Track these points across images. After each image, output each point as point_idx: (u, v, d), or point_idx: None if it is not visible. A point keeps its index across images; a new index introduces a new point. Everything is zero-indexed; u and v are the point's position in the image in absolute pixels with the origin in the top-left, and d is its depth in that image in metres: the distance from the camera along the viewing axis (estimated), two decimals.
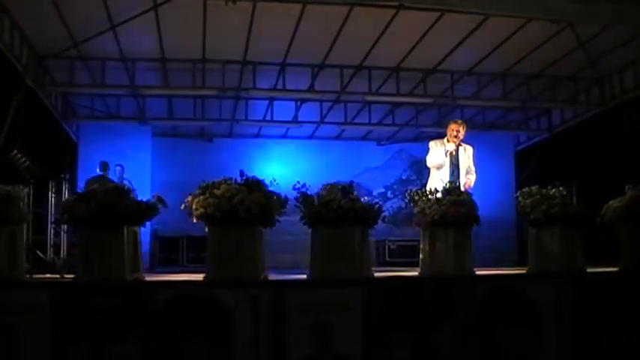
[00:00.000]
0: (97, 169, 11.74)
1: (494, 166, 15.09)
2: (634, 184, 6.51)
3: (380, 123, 15.06)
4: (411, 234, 11.83)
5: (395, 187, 16.91)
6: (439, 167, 7.90)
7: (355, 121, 14.85)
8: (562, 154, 14.04)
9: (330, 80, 12.25)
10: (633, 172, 11.40)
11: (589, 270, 6.10)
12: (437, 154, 7.95)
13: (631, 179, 8.96)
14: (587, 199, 6.81)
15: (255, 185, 5.01)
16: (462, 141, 8.07)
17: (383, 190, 16.87)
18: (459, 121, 8.20)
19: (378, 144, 17.17)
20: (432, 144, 8.11)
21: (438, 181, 7.63)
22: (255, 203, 4.82)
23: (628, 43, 11.03)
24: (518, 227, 14.19)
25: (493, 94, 13.08)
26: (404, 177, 16.99)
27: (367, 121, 14.74)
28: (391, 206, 16.25)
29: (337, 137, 16.45)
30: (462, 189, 7.53)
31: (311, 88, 12.36)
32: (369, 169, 16.95)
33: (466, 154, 8.04)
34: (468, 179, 7.93)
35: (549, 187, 6.07)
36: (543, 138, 15.58)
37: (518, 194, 6.16)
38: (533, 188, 6.08)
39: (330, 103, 13.97)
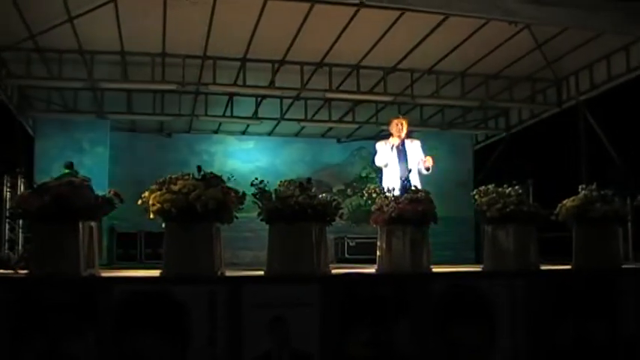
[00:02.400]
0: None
1: (453, 164, 15.24)
2: (589, 183, 6.63)
3: (340, 120, 15.09)
4: (370, 231, 11.86)
5: (354, 184, 16.99)
6: (387, 165, 8.02)
7: (315, 118, 14.87)
8: (519, 154, 14.26)
9: (291, 77, 12.24)
10: (589, 171, 11.63)
11: (543, 268, 6.21)
12: (383, 152, 8.09)
13: (586, 179, 9.17)
14: (543, 198, 6.92)
15: (213, 181, 4.98)
16: (409, 136, 8.23)
17: (342, 187, 16.94)
18: (400, 116, 8.43)
19: (338, 141, 17.24)
20: (378, 144, 8.31)
21: (390, 178, 7.75)
22: (213, 199, 4.79)
23: (584, 45, 11.25)
24: (475, 225, 14.34)
25: (452, 93, 13.20)
26: (363, 174, 17.08)
27: (327, 119, 14.75)
28: (350, 203, 16.35)
29: (297, 134, 16.45)
30: (424, 170, 7.76)
31: (271, 85, 12.34)
32: (328, 166, 17.02)
33: (413, 146, 8.18)
34: (427, 159, 8.04)
35: (505, 186, 6.15)
36: (501, 137, 15.79)
37: (474, 192, 6.25)
38: (490, 187, 6.16)
39: (290, 100, 13.96)
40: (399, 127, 8.17)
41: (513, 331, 5.45)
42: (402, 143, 8.12)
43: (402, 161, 8.07)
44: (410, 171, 7.99)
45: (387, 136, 8.58)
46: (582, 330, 5.69)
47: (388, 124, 8.49)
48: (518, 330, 5.46)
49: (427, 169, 8.12)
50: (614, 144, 11.71)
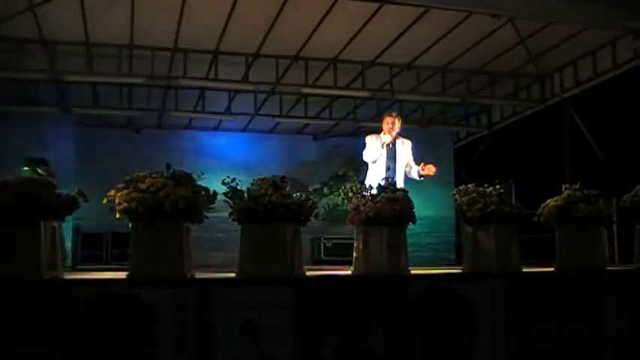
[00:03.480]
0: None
1: (433, 162, 15.24)
2: (573, 182, 6.70)
3: (316, 116, 15.13)
4: (347, 232, 11.89)
5: (331, 183, 17.04)
6: (375, 161, 8.03)
7: (291, 114, 14.89)
8: (501, 152, 14.37)
9: (265, 71, 12.23)
10: (573, 171, 11.74)
11: (525, 269, 6.27)
12: (373, 147, 8.09)
13: (570, 178, 9.25)
14: (525, 198, 6.99)
15: (183, 179, 4.98)
16: (399, 135, 8.23)
17: (319, 186, 16.98)
18: (394, 114, 8.38)
19: (315, 138, 17.27)
20: (368, 138, 8.26)
21: (374, 176, 7.77)
22: (182, 198, 4.79)
23: (568, 40, 11.35)
24: (456, 226, 14.44)
25: (432, 89, 13.27)
26: (340, 173, 17.13)
27: (303, 115, 14.79)
28: (327, 203, 16.39)
29: (272, 130, 16.48)
30: (417, 175, 7.86)
31: (245, 79, 12.32)
32: (304, 164, 17.03)
33: (404, 147, 8.19)
34: (428, 167, 8.05)
35: (486, 185, 6.20)
36: (483, 135, 15.90)
37: (454, 192, 6.29)
38: (470, 186, 6.20)
39: (264, 95, 13.96)
40: (392, 125, 8.16)
41: (493, 335, 5.51)
42: (393, 142, 8.15)
43: (390, 161, 8.10)
44: (391, 170, 8.01)
45: (371, 131, 8.60)
46: (565, 333, 5.77)
47: (380, 119, 8.49)
48: (498, 333, 5.52)
49: (421, 176, 8.13)
50: (600, 142, 11.81)
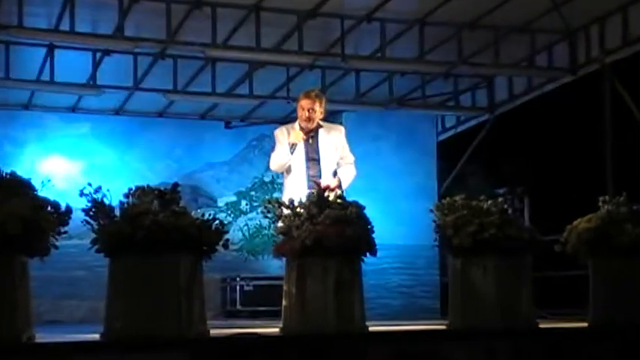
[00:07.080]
0: None
1: (406, 163, 15.46)
2: (616, 193, 6.78)
3: (230, 93, 15.13)
4: (277, 268, 11.91)
5: (252, 193, 17.06)
6: (282, 169, 8.08)
7: (190, 88, 14.86)
8: (509, 146, 14.53)
9: (150, 20, 12.19)
10: (616, 175, 11.81)
11: (542, 325, 6.36)
12: (280, 150, 8.12)
13: (613, 186, 9.35)
14: (543, 215, 7.07)
15: (16, 188, 4.93)
16: (325, 121, 8.27)
17: (233, 198, 16.99)
18: (312, 93, 8.33)
19: (227, 126, 17.27)
20: (277, 133, 8.33)
21: (293, 185, 7.81)
22: (14, 217, 4.74)
23: None
24: (442, 259, 14.58)
25: (405, 52, 13.38)
26: (266, 178, 17.14)
27: (210, 90, 14.77)
28: (247, 224, 16.40)
29: (162, 113, 16.50)
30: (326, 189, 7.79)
31: (119, 32, 12.23)
32: (212, 165, 17.08)
33: (330, 139, 8.19)
34: (337, 178, 8.09)
35: (483, 198, 6.26)
36: (481, 121, 16.06)
37: (434, 207, 6.33)
38: (459, 198, 6.26)
39: (149, 59, 13.88)
40: (310, 111, 8.14)
41: None
42: (314, 133, 8.16)
43: (311, 165, 8.12)
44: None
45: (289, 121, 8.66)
46: None
47: (296, 100, 8.55)
48: None
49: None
50: None
